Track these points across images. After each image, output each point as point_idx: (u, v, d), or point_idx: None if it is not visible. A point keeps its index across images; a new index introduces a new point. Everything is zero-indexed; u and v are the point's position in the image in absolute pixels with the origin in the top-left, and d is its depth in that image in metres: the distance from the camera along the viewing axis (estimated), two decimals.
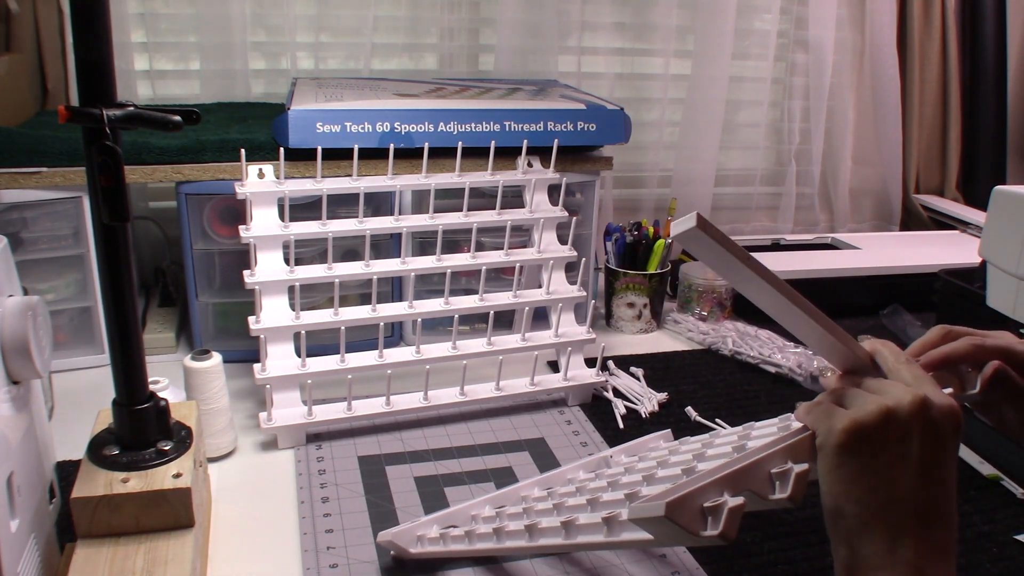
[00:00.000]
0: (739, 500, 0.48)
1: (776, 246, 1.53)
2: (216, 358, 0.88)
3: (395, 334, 1.18)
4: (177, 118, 0.61)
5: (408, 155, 1.08)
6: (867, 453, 0.49)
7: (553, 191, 1.11)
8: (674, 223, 0.49)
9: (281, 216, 0.98)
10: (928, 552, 0.48)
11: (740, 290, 0.54)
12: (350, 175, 1.03)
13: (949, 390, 0.60)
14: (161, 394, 0.72)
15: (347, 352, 0.95)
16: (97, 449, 0.68)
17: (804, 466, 0.50)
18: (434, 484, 0.85)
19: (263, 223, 0.97)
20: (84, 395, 1.00)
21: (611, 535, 0.57)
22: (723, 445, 0.63)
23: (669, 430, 0.91)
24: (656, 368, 1.13)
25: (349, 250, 1.10)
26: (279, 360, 0.93)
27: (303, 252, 1.06)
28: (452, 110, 1.10)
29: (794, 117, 1.66)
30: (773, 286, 0.53)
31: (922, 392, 0.50)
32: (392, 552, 0.74)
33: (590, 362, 1.05)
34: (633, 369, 1.11)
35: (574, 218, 1.06)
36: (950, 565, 0.49)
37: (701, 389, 1.08)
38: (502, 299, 1.03)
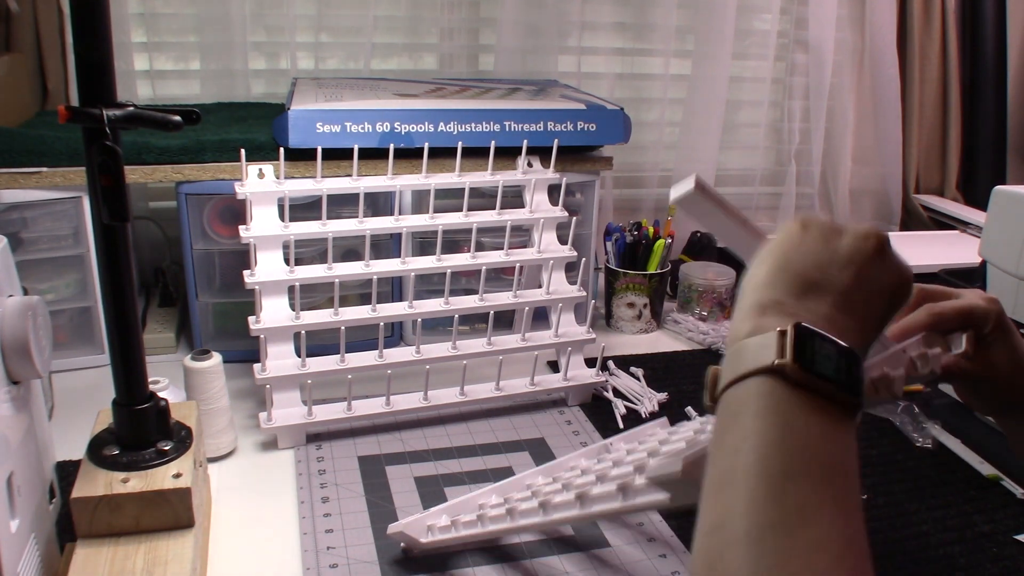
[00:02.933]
0: None
1: None
2: (216, 358, 0.88)
3: (395, 334, 1.18)
4: (177, 118, 0.61)
5: (408, 155, 1.08)
6: (818, 231, 0.50)
7: (553, 191, 1.11)
8: (673, 187, 0.50)
9: (281, 216, 0.98)
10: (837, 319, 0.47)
11: (739, 254, 0.55)
12: (350, 175, 1.03)
13: (937, 350, 0.61)
14: (161, 394, 0.72)
15: (347, 352, 0.95)
16: (97, 449, 0.68)
17: None
18: (434, 484, 0.85)
19: (263, 223, 0.97)
20: (84, 395, 1.00)
21: (627, 500, 0.59)
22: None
23: (665, 418, 0.92)
24: (656, 368, 1.13)
25: (349, 250, 1.10)
26: (279, 360, 0.93)
27: (303, 252, 1.06)
28: (452, 110, 1.10)
29: (794, 117, 1.66)
30: None
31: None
32: (402, 544, 0.74)
33: (590, 362, 1.05)
34: (633, 369, 1.11)
35: (574, 218, 1.06)
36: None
37: (701, 389, 1.08)
38: (502, 299, 1.03)
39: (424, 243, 1.15)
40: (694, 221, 0.53)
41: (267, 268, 0.95)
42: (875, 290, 0.49)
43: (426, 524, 0.74)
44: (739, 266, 1.34)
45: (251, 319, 0.93)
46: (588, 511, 0.63)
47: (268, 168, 1.01)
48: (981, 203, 1.63)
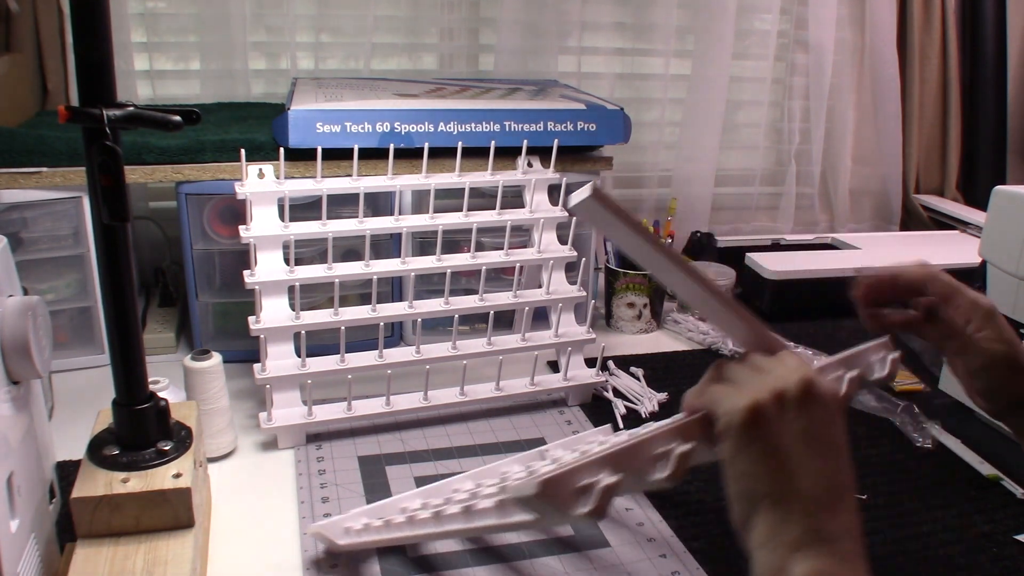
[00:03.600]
0: (614, 478, 0.48)
1: (776, 246, 1.53)
2: (216, 358, 0.88)
3: (395, 334, 1.18)
4: (177, 118, 0.61)
5: (408, 155, 1.08)
6: (770, 433, 0.50)
7: (553, 191, 1.11)
8: (572, 195, 0.51)
9: (281, 216, 0.98)
10: (841, 526, 0.49)
11: (639, 263, 0.55)
12: (350, 175, 1.03)
13: (856, 371, 0.62)
14: (161, 394, 0.72)
15: (347, 352, 0.95)
16: (97, 449, 0.68)
17: (687, 446, 0.51)
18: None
19: (263, 223, 0.97)
20: (84, 395, 1.00)
21: (503, 517, 0.58)
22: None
23: (609, 425, 0.92)
24: (656, 368, 1.13)
25: (349, 250, 1.10)
26: (279, 360, 0.93)
27: (303, 252, 1.06)
28: (452, 110, 1.10)
29: (794, 117, 1.66)
30: (670, 259, 0.54)
31: (808, 372, 0.52)
32: (323, 545, 0.74)
33: (590, 362, 1.05)
34: (633, 369, 1.11)
35: (574, 218, 1.06)
36: (859, 540, 0.50)
37: None
38: (502, 299, 1.03)
39: (424, 243, 1.15)
40: (593, 227, 0.54)
41: (267, 268, 0.95)
42: (850, 472, 0.52)
43: (344, 526, 0.74)
44: (740, 266, 1.34)
45: (251, 319, 0.93)
46: (471, 525, 0.63)
47: (268, 168, 1.01)
48: (981, 203, 1.63)
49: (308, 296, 1.08)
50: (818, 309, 1.34)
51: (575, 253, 1.07)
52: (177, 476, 0.66)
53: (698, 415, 0.53)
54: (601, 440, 0.87)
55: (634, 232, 0.52)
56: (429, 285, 1.16)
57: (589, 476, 0.49)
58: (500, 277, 1.20)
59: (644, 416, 1.00)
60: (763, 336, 0.58)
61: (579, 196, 0.50)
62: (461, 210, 1.05)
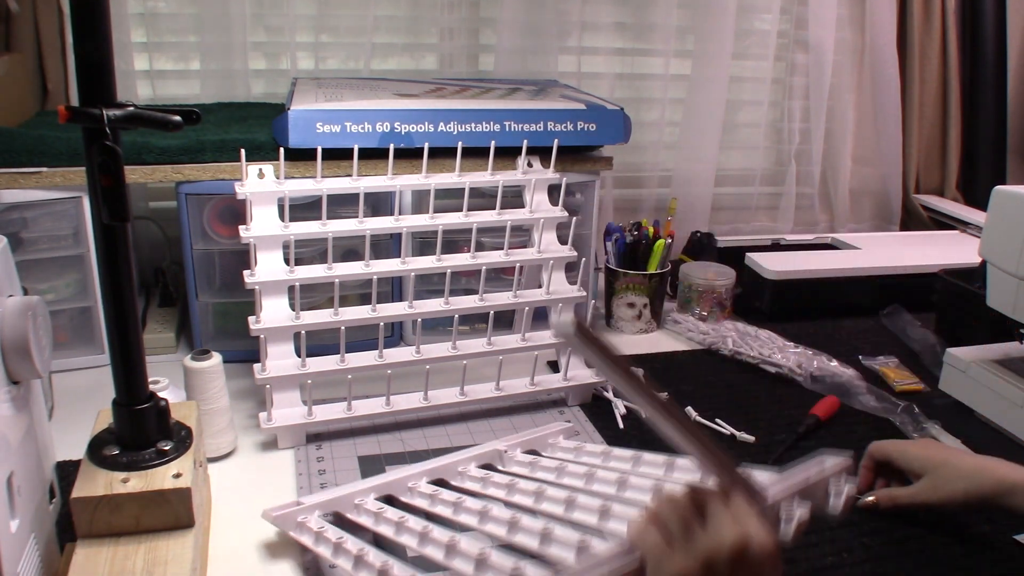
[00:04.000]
0: None
1: (776, 246, 1.53)
2: (216, 358, 0.88)
3: (395, 334, 1.18)
4: (177, 118, 0.61)
5: (408, 155, 1.08)
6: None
7: (553, 191, 1.11)
8: (555, 319, 0.52)
9: (281, 216, 0.98)
10: None
11: (620, 392, 0.56)
12: (350, 175, 1.03)
13: (808, 505, 0.62)
14: (161, 394, 0.72)
15: (347, 352, 0.95)
16: (97, 449, 0.68)
17: None
18: None
19: (263, 223, 0.97)
20: (84, 395, 1.00)
21: None
22: (603, 483, 0.67)
23: (571, 424, 0.92)
24: (656, 368, 1.13)
25: (349, 250, 1.10)
26: (279, 360, 0.93)
27: (303, 252, 1.06)
28: (452, 110, 1.10)
29: (794, 117, 1.66)
30: (647, 396, 0.55)
31: (744, 532, 0.52)
32: (276, 528, 0.75)
33: (590, 362, 1.05)
34: (633, 369, 1.11)
35: (574, 218, 1.06)
36: None
37: (701, 389, 1.08)
38: (502, 299, 1.03)
39: (424, 243, 1.15)
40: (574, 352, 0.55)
41: (267, 268, 0.95)
42: None
43: (296, 519, 0.74)
44: (740, 266, 1.34)
45: (251, 319, 0.93)
46: None
47: (268, 168, 1.01)
48: (981, 203, 1.63)
49: (308, 296, 1.08)
50: (818, 309, 1.34)
51: (575, 253, 1.07)
52: (177, 476, 0.66)
53: (634, 562, 0.53)
54: (563, 446, 0.87)
55: (610, 366, 0.53)
56: (429, 285, 1.16)
57: None
58: (500, 277, 1.20)
59: (644, 416, 1.00)
60: (729, 475, 0.57)
61: (564, 326, 0.51)
62: (461, 210, 1.05)
